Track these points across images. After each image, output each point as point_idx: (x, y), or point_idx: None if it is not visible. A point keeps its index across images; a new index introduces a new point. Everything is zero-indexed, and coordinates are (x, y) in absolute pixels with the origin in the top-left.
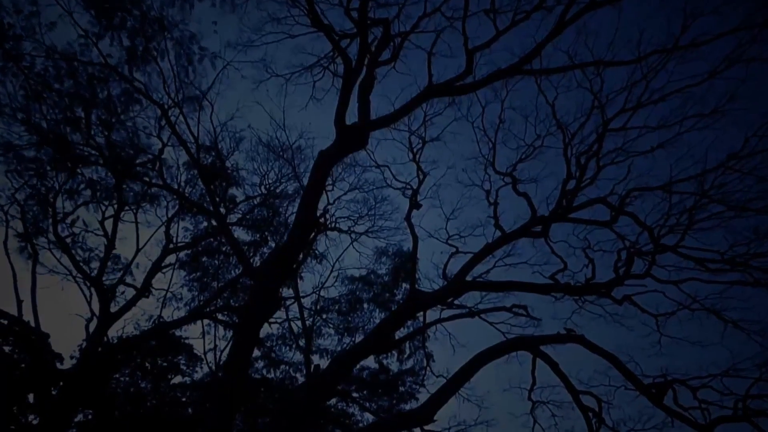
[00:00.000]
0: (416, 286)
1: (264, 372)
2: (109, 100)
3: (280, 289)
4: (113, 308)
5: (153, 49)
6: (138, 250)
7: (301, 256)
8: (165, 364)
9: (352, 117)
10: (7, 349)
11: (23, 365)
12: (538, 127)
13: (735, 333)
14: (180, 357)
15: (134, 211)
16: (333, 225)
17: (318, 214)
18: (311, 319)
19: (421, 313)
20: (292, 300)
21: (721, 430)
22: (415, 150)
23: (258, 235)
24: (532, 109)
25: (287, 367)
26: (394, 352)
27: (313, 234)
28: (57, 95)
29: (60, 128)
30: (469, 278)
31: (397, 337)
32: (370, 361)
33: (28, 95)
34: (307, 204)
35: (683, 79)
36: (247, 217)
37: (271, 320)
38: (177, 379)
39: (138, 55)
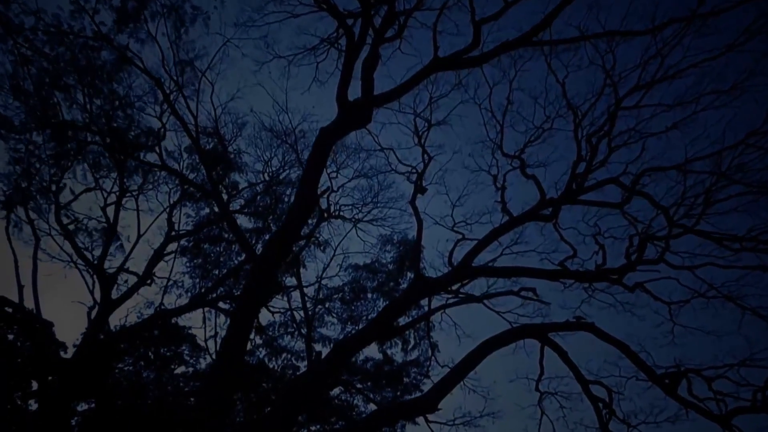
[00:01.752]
0: (421, 272)
1: (266, 360)
2: (102, 70)
3: (280, 272)
4: (115, 295)
5: (143, 8)
6: (139, 236)
7: (303, 242)
8: (168, 353)
9: (355, 96)
10: (10, 337)
11: (26, 353)
12: (548, 109)
13: (753, 321)
14: (183, 347)
15: (135, 197)
16: (337, 213)
17: (319, 192)
18: (313, 308)
19: (426, 300)
20: (294, 288)
21: (738, 421)
22: (420, 133)
23: (261, 223)
24: (541, 89)
25: (289, 356)
26: (398, 341)
27: (315, 214)
28: (47, 61)
29: (45, 92)
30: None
31: (400, 324)
32: (374, 352)
33: (16, 60)
34: (308, 181)
35: (700, 53)
36: (251, 204)
37: (274, 309)
38: (180, 369)
39: (129, 15)
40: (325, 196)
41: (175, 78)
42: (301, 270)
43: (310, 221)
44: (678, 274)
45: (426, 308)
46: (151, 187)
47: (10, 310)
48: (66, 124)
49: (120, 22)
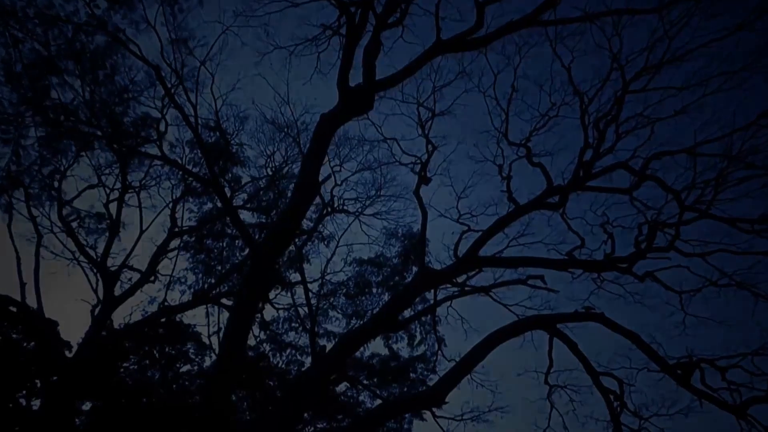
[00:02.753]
0: (426, 264)
1: (270, 356)
2: (97, 55)
3: (284, 268)
4: (117, 292)
5: None
6: (142, 233)
7: (306, 237)
8: (173, 352)
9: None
10: (15, 336)
11: (30, 352)
12: (553, 96)
13: (766, 309)
14: (188, 345)
15: (137, 192)
16: (340, 207)
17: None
18: (317, 303)
19: (432, 294)
20: (298, 283)
21: (754, 411)
22: (424, 122)
23: (264, 218)
24: (546, 77)
25: (293, 351)
26: (404, 336)
27: (318, 208)
28: (39, 44)
29: (38, 74)
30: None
31: (406, 317)
32: (380, 348)
33: (7, 43)
34: (309, 167)
35: (708, 34)
36: (254, 200)
37: (278, 306)
38: (186, 368)
39: None
40: (328, 188)
41: (174, 69)
42: (305, 265)
43: (313, 215)
44: (689, 262)
45: (432, 302)
46: (153, 183)
47: (14, 309)
48: (59, 108)
49: (113, 1)
